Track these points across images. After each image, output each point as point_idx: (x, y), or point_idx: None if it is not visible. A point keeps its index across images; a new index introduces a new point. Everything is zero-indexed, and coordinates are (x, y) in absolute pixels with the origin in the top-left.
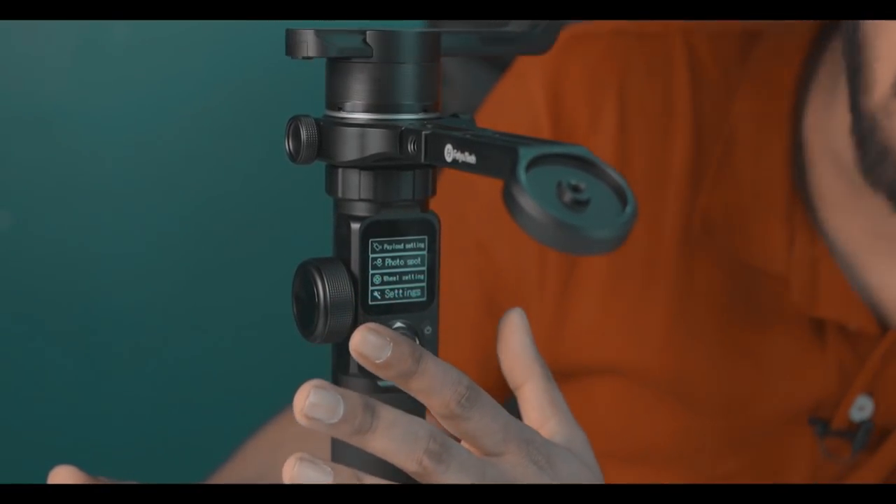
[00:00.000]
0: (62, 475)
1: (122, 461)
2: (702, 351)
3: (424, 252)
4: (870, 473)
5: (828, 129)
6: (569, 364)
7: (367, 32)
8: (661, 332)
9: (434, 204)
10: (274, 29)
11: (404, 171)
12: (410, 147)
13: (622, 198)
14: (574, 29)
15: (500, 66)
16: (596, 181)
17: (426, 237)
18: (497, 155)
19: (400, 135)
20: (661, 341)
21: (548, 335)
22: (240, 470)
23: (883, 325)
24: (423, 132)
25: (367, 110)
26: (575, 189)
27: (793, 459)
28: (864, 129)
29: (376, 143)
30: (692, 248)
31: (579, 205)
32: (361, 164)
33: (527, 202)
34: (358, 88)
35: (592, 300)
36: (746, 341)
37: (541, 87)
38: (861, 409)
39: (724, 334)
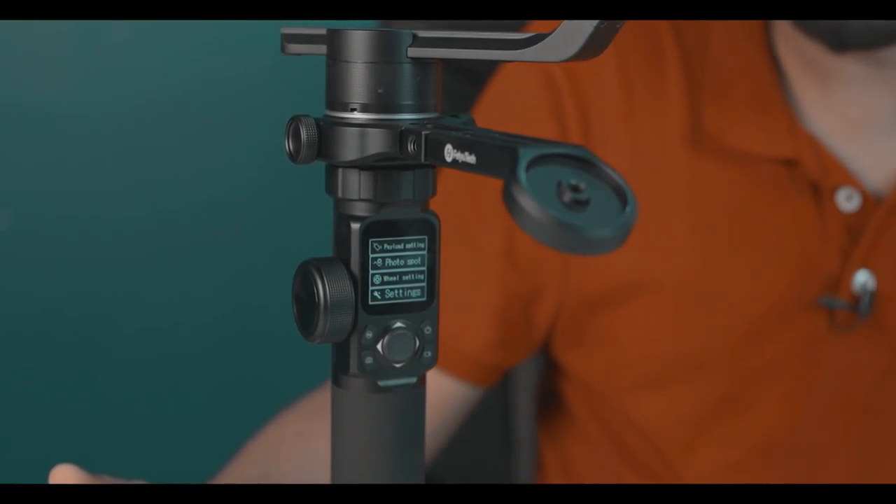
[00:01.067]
0: (63, 474)
1: (121, 461)
2: (718, 249)
3: (424, 252)
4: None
5: (792, 33)
6: (596, 289)
7: (342, 32)
8: (681, 239)
9: None
10: (274, 29)
11: (404, 171)
12: (410, 147)
13: (622, 198)
14: None
15: (467, 73)
16: (596, 181)
17: (426, 237)
18: (497, 155)
19: (400, 135)
20: (680, 247)
21: (574, 263)
22: (242, 469)
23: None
24: (423, 132)
25: (366, 110)
26: (575, 189)
27: (812, 341)
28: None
29: (376, 142)
30: (699, 156)
31: (579, 205)
32: (361, 164)
33: (527, 202)
34: (358, 88)
35: None
36: (755, 231)
37: None
38: (863, 283)
39: (735, 229)
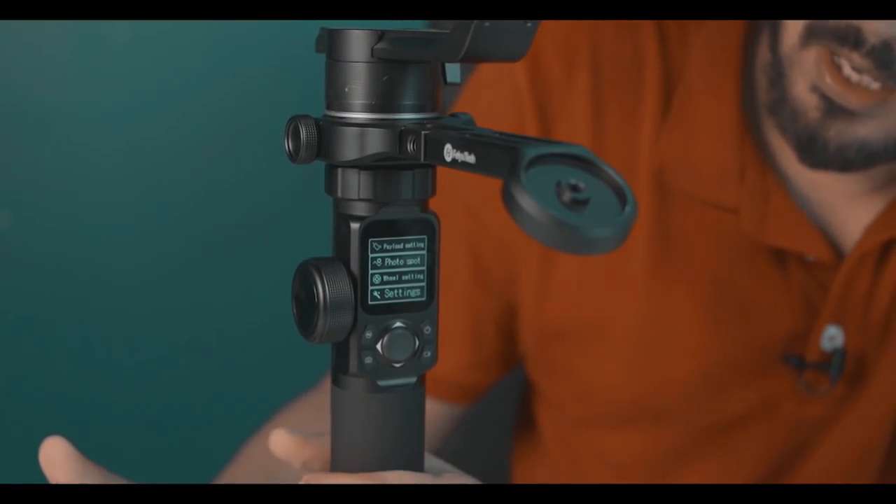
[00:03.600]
0: (53, 447)
1: (121, 462)
2: (675, 297)
3: (424, 252)
4: (860, 411)
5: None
6: (555, 323)
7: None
8: (640, 280)
9: None
10: (273, 29)
11: (404, 170)
12: (410, 147)
13: (622, 197)
14: None
15: None
16: (595, 181)
17: (426, 237)
18: (497, 154)
19: (399, 134)
20: (640, 289)
21: (535, 294)
22: (246, 470)
23: (841, 257)
24: (423, 132)
25: (366, 110)
26: (574, 188)
27: (777, 400)
28: (775, 72)
29: (376, 142)
30: (663, 194)
31: (578, 204)
32: (361, 164)
33: (526, 202)
34: (357, 88)
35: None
36: (716, 281)
37: None
38: (832, 338)
39: (695, 277)
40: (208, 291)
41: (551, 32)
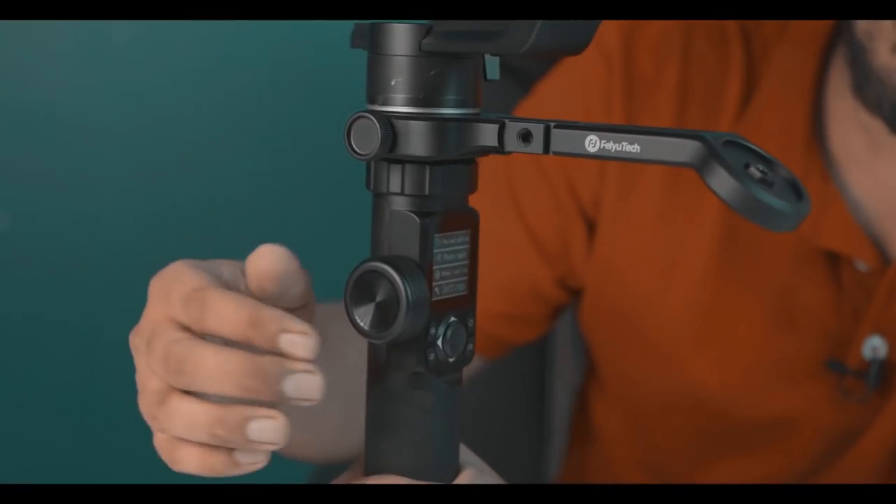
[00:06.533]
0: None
1: (122, 461)
2: (738, 295)
3: (468, 245)
4: (891, 419)
5: (848, 94)
6: (613, 292)
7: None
8: (703, 275)
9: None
10: (275, 28)
11: (460, 165)
12: (518, 141)
13: (795, 189)
14: None
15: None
16: (773, 173)
17: (470, 230)
18: (672, 143)
19: (500, 128)
20: (701, 283)
21: (600, 257)
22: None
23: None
24: (551, 125)
25: (458, 105)
26: (763, 169)
27: (818, 404)
28: (854, 53)
29: (474, 137)
30: None
31: (767, 184)
32: (432, 160)
33: (728, 179)
34: (453, 84)
35: (644, 224)
36: (775, 283)
37: (617, 38)
38: (874, 349)
39: (757, 277)
40: None
41: (646, 33)
